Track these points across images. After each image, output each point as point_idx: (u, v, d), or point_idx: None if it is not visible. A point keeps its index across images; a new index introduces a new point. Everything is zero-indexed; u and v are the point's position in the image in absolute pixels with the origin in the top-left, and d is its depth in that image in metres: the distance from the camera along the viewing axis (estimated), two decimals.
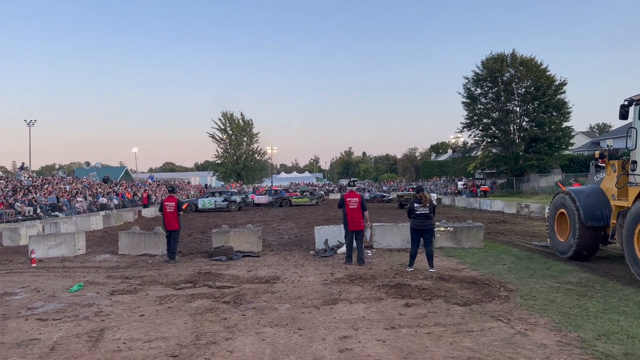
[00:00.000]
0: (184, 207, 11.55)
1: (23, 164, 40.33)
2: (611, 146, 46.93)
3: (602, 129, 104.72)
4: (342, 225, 12.52)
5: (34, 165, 63.59)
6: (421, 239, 9.38)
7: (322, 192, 44.14)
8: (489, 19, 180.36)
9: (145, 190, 41.62)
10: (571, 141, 50.51)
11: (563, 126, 48.99)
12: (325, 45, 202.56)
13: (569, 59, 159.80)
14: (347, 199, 10.32)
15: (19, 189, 27.99)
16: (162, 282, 8.69)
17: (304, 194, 39.08)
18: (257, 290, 7.80)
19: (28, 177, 34.14)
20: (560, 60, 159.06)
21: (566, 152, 52.04)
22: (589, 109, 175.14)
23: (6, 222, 22.37)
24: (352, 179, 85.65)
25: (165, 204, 11.39)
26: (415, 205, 9.37)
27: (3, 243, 15.68)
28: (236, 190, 46.20)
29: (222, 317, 6.23)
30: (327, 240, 12.19)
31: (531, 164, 47.87)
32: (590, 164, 11.74)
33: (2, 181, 29.87)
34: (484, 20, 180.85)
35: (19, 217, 23.72)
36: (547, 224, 11.61)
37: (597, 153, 10.53)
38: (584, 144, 63.68)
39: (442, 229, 12.19)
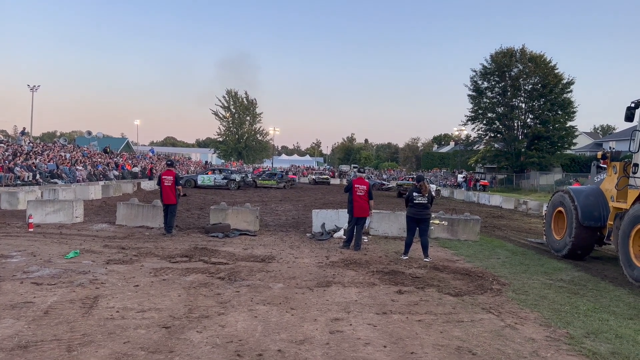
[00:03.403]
0: (182, 194, 11.59)
1: (24, 129, 40.18)
2: (614, 148, 46.73)
3: (606, 130, 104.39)
4: (339, 210, 12.58)
5: (35, 131, 63.52)
6: (417, 228, 9.41)
7: (294, 179, 44.23)
8: (500, 12, 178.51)
9: (149, 164, 41.72)
10: (574, 141, 50.43)
11: (567, 125, 48.87)
12: (333, 30, 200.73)
13: (577, 58, 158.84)
14: (355, 185, 10.24)
15: (19, 154, 27.97)
16: (158, 254, 8.73)
17: (272, 176, 38.71)
18: (252, 268, 7.85)
19: (29, 143, 34.07)
20: (568, 59, 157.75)
21: (568, 151, 51.99)
22: (594, 109, 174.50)
23: (5, 186, 22.38)
24: (353, 165, 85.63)
25: (163, 177, 11.37)
26: (415, 194, 9.38)
27: (1, 206, 15.71)
28: (236, 169, 46.14)
29: (216, 292, 6.28)
30: (324, 224, 12.23)
31: (532, 161, 47.86)
32: (592, 164, 11.74)
33: (2, 145, 29.81)
34: (496, 14, 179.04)
35: (18, 182, 23.73)
36: (544, 221, 11.64)
37: (599, 154, 10.52)
38: (587, 145, 63.51)
39: (437, 222, 12.21)
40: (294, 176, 47.88)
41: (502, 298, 6.58)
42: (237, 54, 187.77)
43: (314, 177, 51.32)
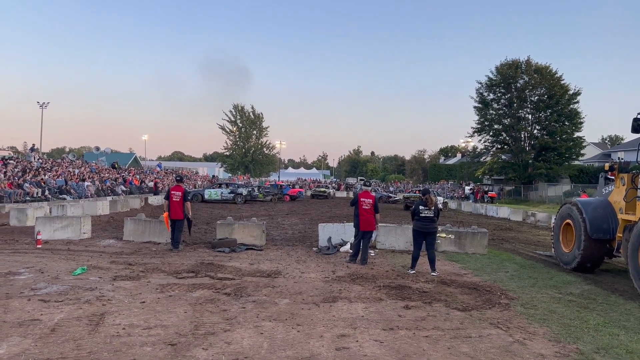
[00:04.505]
0: (189, 215, 11.65)
1: (34, 145, 40.66)
2: (622, 159, 46.39)
3: (614, 141, 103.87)
4: (346, 224, 12.55)
5: (44, 147, 64.04)
6: (424, 241, 9.37)
7: (280, 192, 40.65)
8: (504, 25, 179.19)
9: (155, 178, 41.94)
10: (582, 152, 50.15)
11: (574, 136, 48.62)
12: (339, 44, 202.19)
13: (584, 69, 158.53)
14: (361, 199, 10.23)
15: (28, 170, 28.25)
16: (165, 270, 8.74)
17: (259, 189, 38.03)
18: (258, 283, 7.84)
19: (38, 159, 34.43)
20: (575, 70, 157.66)
21: (576, 162, 51.68)
22: (601, 120, 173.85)
23: (14, 202, 22.59)
24: (360, 178, 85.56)
25: (172, 192, 11.44)
26: (421, 207, 9.36)
27: (10, 223, 15.83)
28: (243, 183, 46.19)
29: (222, 308, 6.27)
30: (330, 238, 12.20)
31: (540, 172, 47.56)
32: (600, 175, 11.65)
33: (12, 161, 30.13)
34: (500, 26, 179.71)
35: (27, 198, 23.94)
36: (553, 233, 11.54)
37: (607, 165, 10.45)
38: (595, 155, 63.20)
39: (444, 235, 12.14)
40: (300, 189, 46.20)
41: (510, 313, 6.51)
42: (242, 69, 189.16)
43: (310, 191, 49.72)
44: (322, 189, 48.03)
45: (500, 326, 5.83)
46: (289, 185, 50.40)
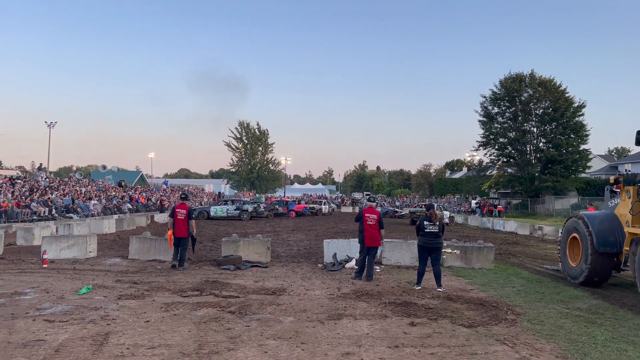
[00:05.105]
0: (194, 233, 11.70)
1: (41, 164, 41.19)
2: (629, 171, 46.27)
3: (621, 153, 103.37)
4: (351, 239, 12.53)
5: (52, 166, 64.75)
6: (429, 257, 9.32)
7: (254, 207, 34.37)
8: (508, 38, 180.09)
9: (161, 196, 42.13)
10: (588, 164, 49.91)
11: (580, 149, 48.49)
12: (342, 60, 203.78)
13: (590, 81, 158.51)
14: (366, 215, 10.18)
15: (35, 189, 28.46)
16: (170, 288, 8.74)
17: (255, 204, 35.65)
18: (263, 301, 7.81)
19: (45, 178, 34.72)
20: (581, 82, 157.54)
21: (583, 175, 51.44)
22: (608, 132, 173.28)
23: (21, 221, 22.73)
24: (366, 192, 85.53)
25: (177, 210, 11.45)
26: (425, 222, 9.33)
27: (17, 242, 15.92)
28: (249, 199, 46.13)
29: (227, 327, 6.25)
30: (335, 254, 12.16)
31: (547, 185, 47.34)
32: (605, 188, 11.61)
33: (19, 181, 30.39)
34: (504, 40, 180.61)
35: (34, 217, 24.09)
36: (559, 247, 11.46)
37: (612, 178, 10.41)
38: (602, 167, 62.90)
39: (449, 250, 12.08)
40: (306, 205, 42.94)
41: (517, 328, 6.44)
42: (247, 86, 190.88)
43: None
44: (312, 206, 41.94)
45: (506, 342, 5.77)
46: (295, 201, 49.53)
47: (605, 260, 9.50)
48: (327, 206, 45.10)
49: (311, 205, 42.17)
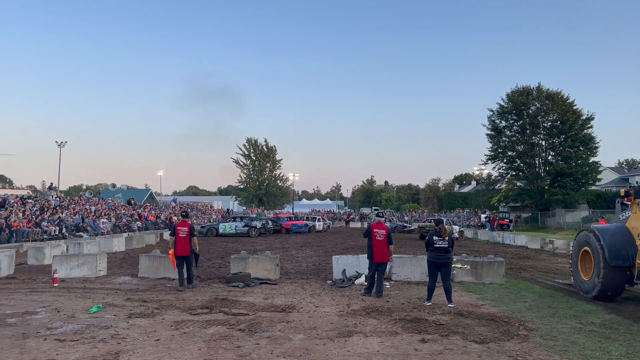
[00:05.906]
0: (197, 250, 11.72)
1: (52, 184, 41.49)
2: None
3: (631, 164, 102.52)
4: (360, 255, 12.48)
5: (62, 185, 65.19)
6: (439, 272, 9.26)
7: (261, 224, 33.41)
8: (515, 52, 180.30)
9: (170, 213, 42.28)
10: (599, 177, 49.60)
11: (590, 161, 48.21)
12: (349, 74, 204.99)
13: (600, 92, 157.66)
14: (374, 230, 10.12)
15: (46, 209, 28.72)
16: (179, 306, 8.75)
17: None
18: (273, 318, 7.79)
19: (56, 197, 35.02)
20: (591, 94, 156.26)
21: (593, 187, 51.04)
22: (618, 144, 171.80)
23: (32, 240, 22.91)
24: (374, 208, 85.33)
25: (178, 228, 11.24)
26: (435, 237, 9.29)
27: (28, 262, 16.03)
28: (256, 216, 46.09)
29: (236, 345, 6.23)
30: (344, 270, 12.11)
31: (557, 198, 47.01)
32: (616, 201, 11.51)
33: (30, 200, 30.70)
34: (510, 53, 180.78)
35: (45, 236, 24.27)
36: (571, 261, 11.35)
37: (622, 191, 10.34)
38: (612, 180, 62.39)
39: (459, 265, 12.00)
40: (294, 222, 39.19)
41: (529, 344, 6.36)
42: (251, 102, 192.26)
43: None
44: (305, 223, 38.50)
45: (519, 359, 5.70)
46: (290, 217, 47.22)
47: (617, 273, 9.39)
48: (322, 222, 41.76)
49: (305, 222, 38.98)
